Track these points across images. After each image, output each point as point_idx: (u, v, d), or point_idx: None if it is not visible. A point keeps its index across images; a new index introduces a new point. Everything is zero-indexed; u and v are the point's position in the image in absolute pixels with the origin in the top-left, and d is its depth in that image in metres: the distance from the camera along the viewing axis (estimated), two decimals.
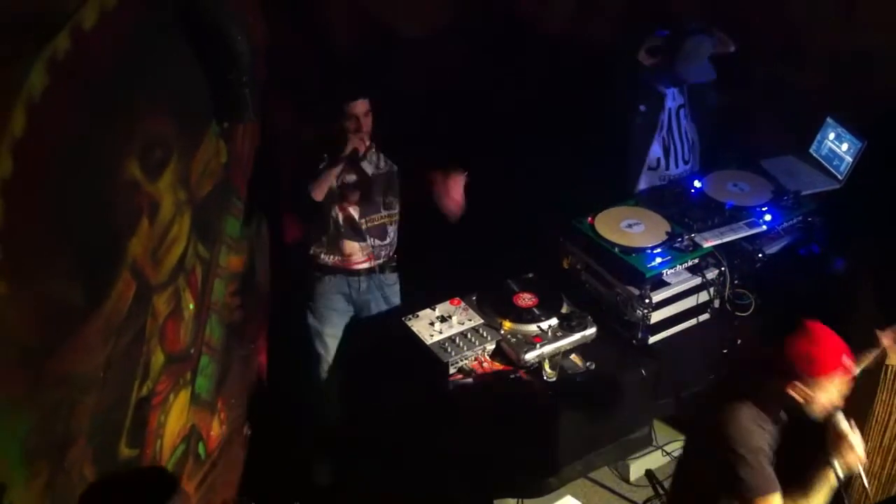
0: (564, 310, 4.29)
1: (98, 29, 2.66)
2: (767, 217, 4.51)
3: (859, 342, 4.21)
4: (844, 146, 4.81)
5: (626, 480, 4.84)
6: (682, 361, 4.26)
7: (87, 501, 2.30)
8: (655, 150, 4.85)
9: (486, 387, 4.03)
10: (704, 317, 4.39)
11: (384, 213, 4.50)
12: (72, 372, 2.64)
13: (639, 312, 4.17)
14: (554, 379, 4.06)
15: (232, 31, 3.58)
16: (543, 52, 5.32)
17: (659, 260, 4.25)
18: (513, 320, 4.21)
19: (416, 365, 4.21)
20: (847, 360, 3.06)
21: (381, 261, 4.56)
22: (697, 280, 4.29)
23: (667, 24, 4.72)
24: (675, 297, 4.27)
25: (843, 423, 3.09)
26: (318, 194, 4.24)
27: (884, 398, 3.91)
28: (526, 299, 4.33)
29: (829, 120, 4.94)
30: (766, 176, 4.86)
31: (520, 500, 4.34)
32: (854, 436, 3.08)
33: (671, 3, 5.31)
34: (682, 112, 4.86)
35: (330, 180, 4.26)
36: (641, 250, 4.31)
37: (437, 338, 4.17)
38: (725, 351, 4.18)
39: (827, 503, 3.12)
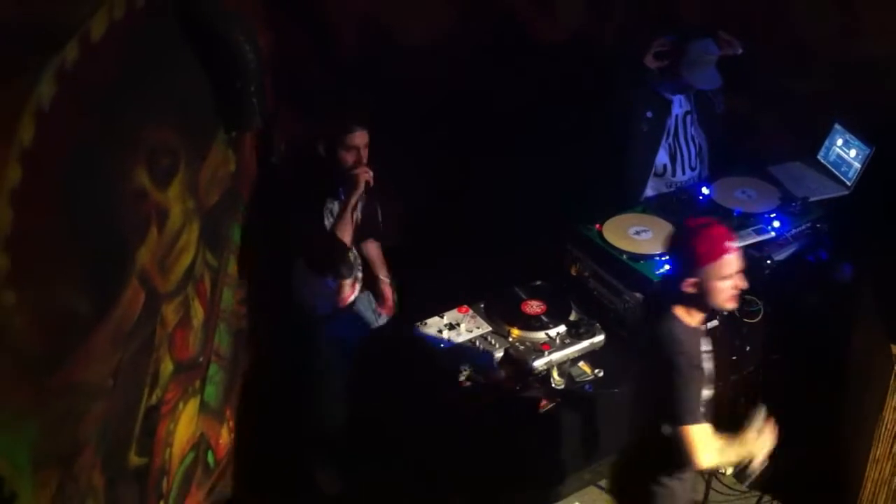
0: (572, 317, 4.29)
1: (106, 39, 2.67)
2: (776, 224, 4.50)
3: (860, 352, 4.21)
4: (852, 152, 4.79)
5: None
6: None
7: None
8: (662, 157, 4.84)
9: (494, 394, 4.02)
10: (713, 323, 4.38)
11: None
12: (80, 380, 2.65)
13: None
14: (562, 386, 4.05)
15: (239, 40, 3.58)
16: (549, 56, 5.32)
17: (667, 267, 4.23)
18: (521, 328, 4.20)
19: (424, 372, 4.21)
20: (728, 243, 3.18)
21: (360, 283, 4.51)
22: None
23: (672, 30, 4.72)
24: None
25: (758, 418, 3.29)
26: (347, 235, 4.12)
27: (893, 405, 3.89)
28: (534, 307, 4.32)
29: (836, 126, 4.93)
30: (774, 182, 4.85)
31: None
32: (755, 432, 3.26)
33: (677, 9, 5.32)
34: (689, 118, 4.85)
35: (351, 220, 4.13)
36: (650, 257, 4.30)
37: (445, 346, 4.18)
38: (734, 357, 4.16)
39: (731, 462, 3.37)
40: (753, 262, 4.39)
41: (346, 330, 4.47)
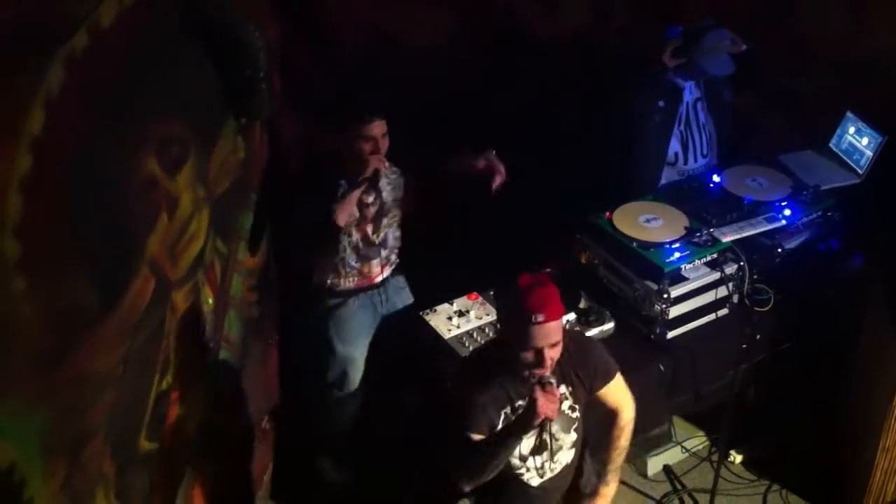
0: (582, 305, 4.29)
1: (115, 26, 2.67)
2: (787, 212, 4.49)
3: (871, 341, 4.20)
4: (864, 140, 4.77)
5: (644, 475, 4.83)
6: (700, 357, 4.25)
7: None
8: (674, 145, 4.83)
9: None
10: (723, 312, 4.38)
11: (387, 219, 4.37)
12: (90, 368, 2.65)
13: (657, 307, 4.15)
14: None
15: (247, 27, 3.58)
16: (549, 56, 5.31)
17: (677, 255, 4.24)
18: None
19: (433, 360, 4.21)
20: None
21: (392, 266, 4.51)
22: (716, 275, 4.27)
23: (677, 24, 4.71)
24: (694, 293, 4.25)
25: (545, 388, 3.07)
26: (342, 218, 4.09)
27: None
28: None
29: (848, 114, 4.91)
30: (785, 171, 4.83)
31: None
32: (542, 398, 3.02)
33: (681, 9, 5.30)
34: (699, 105, 4.84)
35: (353, 204, 4.12)
36: (660, 245, 4.29)
37: (454, 332, 4.20)
38: (744, 346, 4.16)
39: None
40: (764, 250, 4.39)
41: (362, 313, 4.47)
